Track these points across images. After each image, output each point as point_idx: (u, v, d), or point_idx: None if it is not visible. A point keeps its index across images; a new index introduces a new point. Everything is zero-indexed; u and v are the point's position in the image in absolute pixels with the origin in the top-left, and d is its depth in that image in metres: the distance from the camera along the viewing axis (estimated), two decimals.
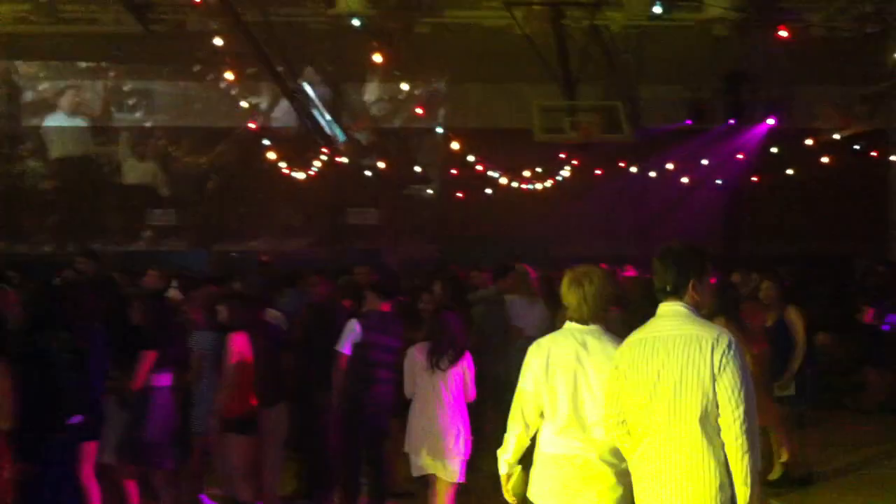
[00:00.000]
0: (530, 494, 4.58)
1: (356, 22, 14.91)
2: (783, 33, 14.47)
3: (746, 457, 3.78)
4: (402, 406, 7.17)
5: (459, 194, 21.83)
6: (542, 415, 4.56)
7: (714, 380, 3.80)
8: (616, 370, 4.10)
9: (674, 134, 19.04)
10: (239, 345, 6.93)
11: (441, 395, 6.61)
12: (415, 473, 6.82)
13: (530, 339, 8.80)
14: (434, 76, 19.00)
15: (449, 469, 6.56)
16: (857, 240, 19.46)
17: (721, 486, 3.83)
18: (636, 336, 4.08)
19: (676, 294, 4.02)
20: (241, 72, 16.56)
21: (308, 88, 19.65)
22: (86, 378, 6.29)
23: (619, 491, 4.37)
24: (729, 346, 3.85)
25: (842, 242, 19.83)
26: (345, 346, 7.25)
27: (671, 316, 4.00)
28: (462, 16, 16.22)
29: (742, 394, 3.80)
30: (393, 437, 7.59)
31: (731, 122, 19.13)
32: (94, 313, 6.74)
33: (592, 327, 4.54)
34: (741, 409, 3.78)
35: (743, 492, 3.81)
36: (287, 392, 7.42)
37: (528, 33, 15.53)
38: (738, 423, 3.78)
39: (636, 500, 4.06)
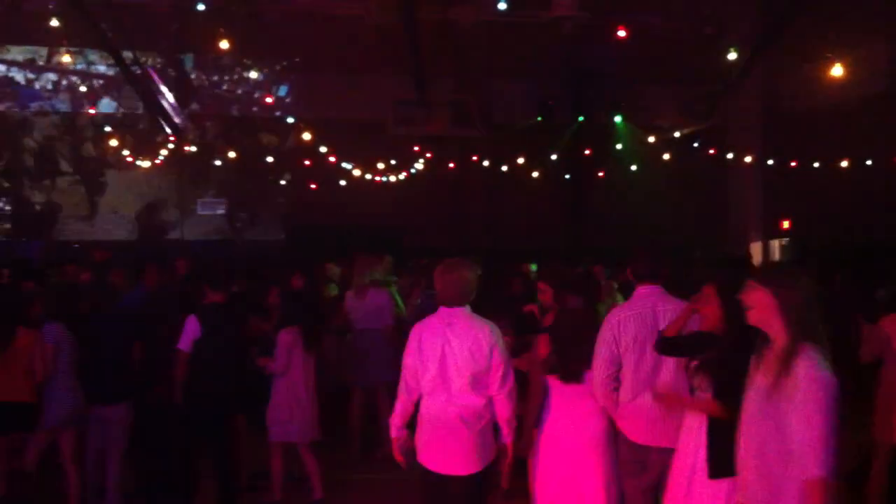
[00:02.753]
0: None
1: (201, 7, 14.53)
2: (621, 33, 14.94)
3: None
4: (248, 401, 7.17)
5: (312, 185, 21.56)
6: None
7: None
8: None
9: (524, 129, 19.30)
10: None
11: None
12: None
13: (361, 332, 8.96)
14: (283, 64, 18.67)
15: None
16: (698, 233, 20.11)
17: None
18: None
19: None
20: (80, 54, 15.92)
21: (153, 73, 18.99)
22: None
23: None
24: None
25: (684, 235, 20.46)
26: (183, 343, 7.06)
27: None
28: (313, 3, 15.98)
29: None
30: (239, 432, 7.52)
31: (580, 118, 19.53)
32: None
33: (458, 309, 5.25)
34: None
35: None
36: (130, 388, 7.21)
37: (380, 25, 15.43)
38: None
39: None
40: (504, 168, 20.44)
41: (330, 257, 12.05)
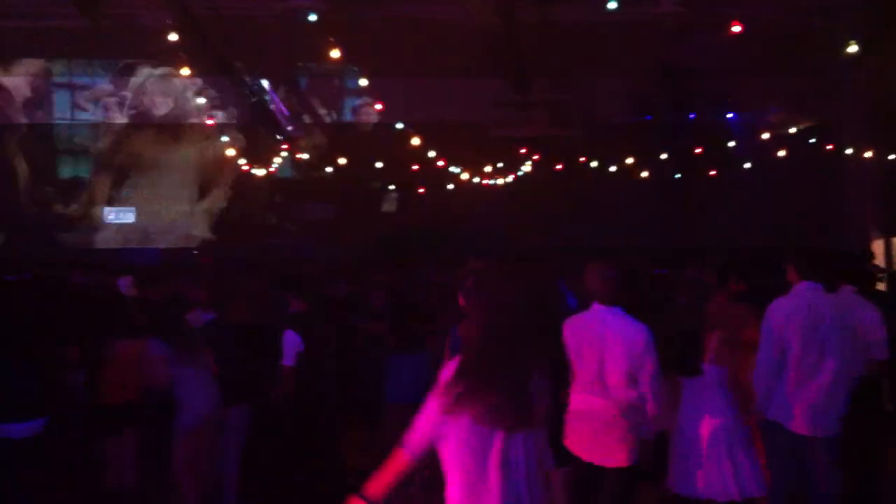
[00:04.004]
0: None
1: (312, 17, 14.83)
2: (736, 28, 14.59)
3: None
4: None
5: (420, 190, 21.79)
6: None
7: None
8: None
9: (628, 128, 19.09)
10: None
11: None
12: None
13: None
14: (389, 70, 18.90)
15: None
16: (815, 233, 19.53)
17: None
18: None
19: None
20: (196, 67, 16.45)
21: (264, 84, 19.54)
22: None
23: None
24: None
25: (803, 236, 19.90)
26: (287, 358, 7.24)
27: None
28: (414, 10, 16.18)
29: None
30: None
31: (689, 116, 19.23)
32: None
33: (613, 307, 5.60)
34: None
35: None
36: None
37: (481, 28, 15.53)
38: None
39: None
40: (612, 168, 20.26)
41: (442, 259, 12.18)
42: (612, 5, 14.97)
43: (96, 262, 13.77)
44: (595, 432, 5.48)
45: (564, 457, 5.37)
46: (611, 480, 5.46)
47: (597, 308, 5.67)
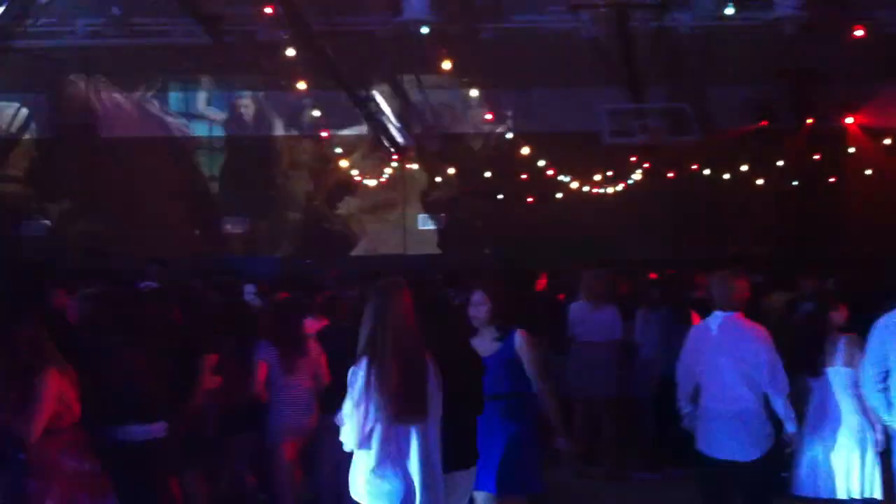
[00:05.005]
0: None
1: (425, 30, 14.98)
2: (858, 32, 14.18)
3: None
4: None
5: (529, 199, 21.82)
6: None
7: None
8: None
9: (745, 135, 18.73)
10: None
11: None
12: None
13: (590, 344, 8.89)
14: (500, 81, 18.99)
15: None
16: None
17: None
18: None
19: None
20: (311, 80, 16.81)
21: (377, 96, 19.82)
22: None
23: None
24: None
25: None
26: None
27: None
28: (527, 20, 16.20)
29: None
30: None
31: (807, 121, 18.74)
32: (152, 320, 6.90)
33: (734, 313, 5.95)
34: None
35: None
36: None
37: (593, 36, 15.47)
38: None
39: None
40: (726, 176, 19.93)
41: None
42: (729, 11, 14.75)
43: (220, 269, 14.15)
44: (723, 431, 5.86)
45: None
46: (745, 474, 5.84)
47: (718, 314, 6.02)
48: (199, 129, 23.09)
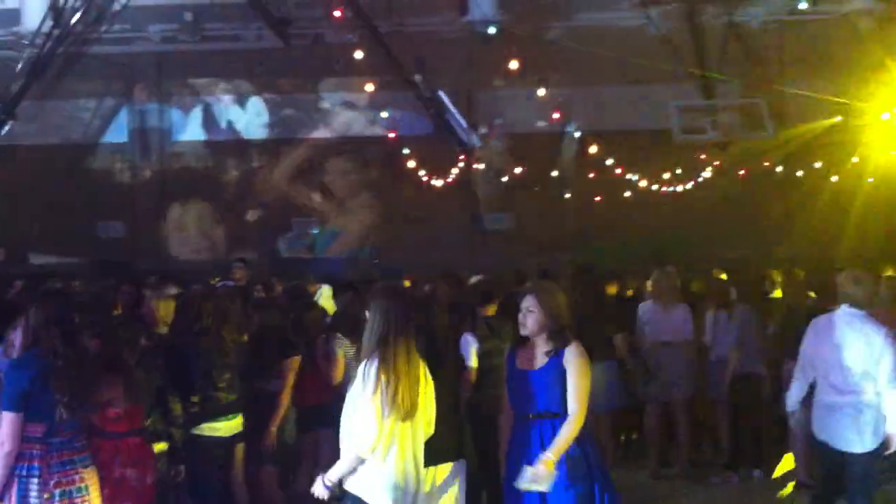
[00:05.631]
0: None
1: (492, 30, 14.97)
2: None
3: None
4: None
5: (597, 198, 21.62)
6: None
7: None
8: None
9: (819, 131, 18.31)
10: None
11: None
12: None
13: (661, 345, 8.76)
14: (568, 79, 18.85)
15: None
16: None
17: None
18: None
19: None
20: (378, 82, 16.90)
21: (443, 96, 19.83)
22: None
23: None
24: None
25: None
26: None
27: None
28: (594, 17, 16.08)
29: None
30: None
31: (885, 116, 18.21)
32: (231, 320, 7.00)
33: (858, 311, 6.25)
34: None
35: None
36: None
37: (663, 33, 15.30)
38: None
39: None
40: (799, 173, 19.51)
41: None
42: (802, 5, 14.47)
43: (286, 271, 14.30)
44: (843, 423, 6.20)
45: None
46: (857, 464, 6.18)
47: (844, 310, 6.28)
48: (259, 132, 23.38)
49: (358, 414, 4.68)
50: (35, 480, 4.72)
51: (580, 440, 5.00)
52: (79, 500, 4.84)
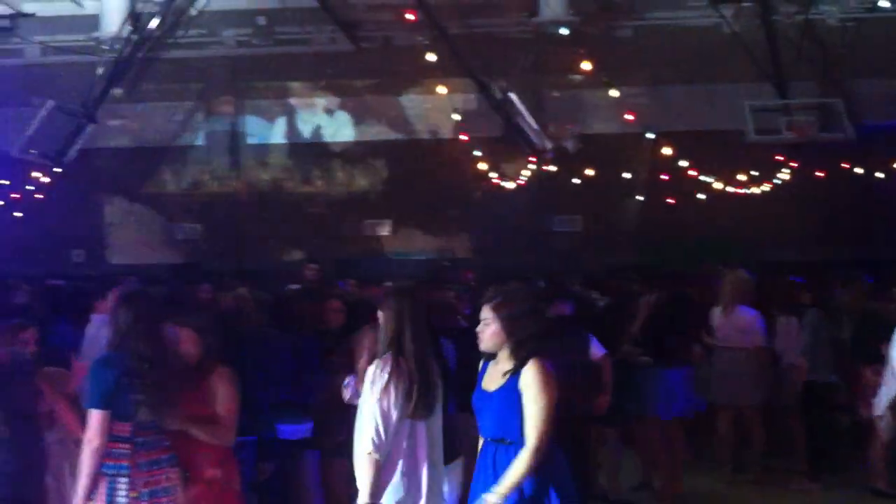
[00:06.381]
0: None
1: (564, 31, 14.88)
2: None
3: None
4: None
5: (669, 199, 21.40)
6: None
7: None
8: None
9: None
10: None
11: None
12: None
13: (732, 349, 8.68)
14: (639, 80, 18.68)
15: None
16: None
17: None
18: None
19: None
20: (449, 84, 16.95)
21: (514, 98, 19.78)
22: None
23: None
24: None
25: None
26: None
27: None
28: (666, 17, 15.90)
29: None
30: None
31: None
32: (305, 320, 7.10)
33: None
34: None
35: None
36: None
37: (736, 31, 15.05)
38: None
39: None
40: (879, 174, 19.06)
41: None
42: (884, 3, 14.09)
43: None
44: None
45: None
46: None
47: None
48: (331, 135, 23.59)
49: (365, 415, 4.63)
50: (123, 480, 4.80)
51: (539, 473, 4.47)
52: (165, 501, 4.91)
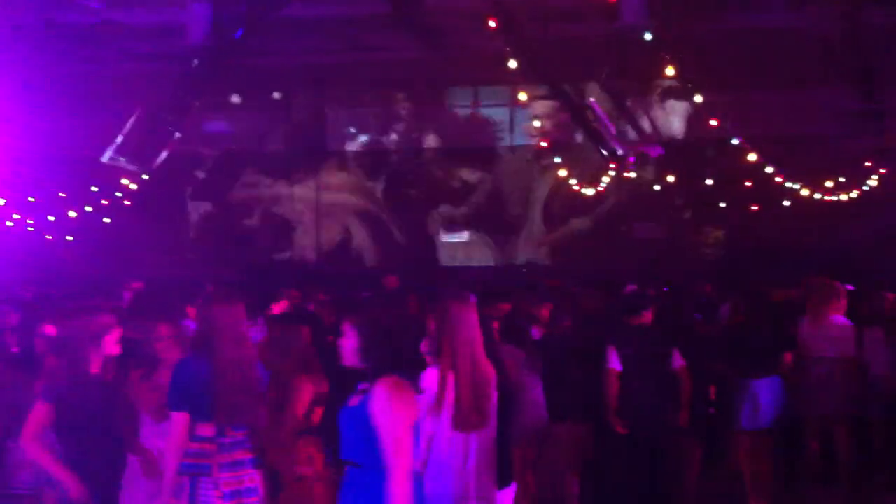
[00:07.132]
0: None
1: (648, 36, 14.69)
2: None
3: None
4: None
5: (754, 207, 21.01)
6: None
7: None
8: None
9: None
10: None
11: None
12: None
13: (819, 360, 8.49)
14: (721, 84, 18.37)
15: None
16: None
17: None
18: None
19: None
20: (529, 90, 16.89)
21: (594, 104, 19.63)
22: None
23: None
24: None
25: None
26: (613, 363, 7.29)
27: None
28: (749, 19, 15.62)
29: None
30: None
31: None
32: None
33: None
34: None
35: None
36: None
37: (822, 33, 14.73)
38: None
39: None
40: None
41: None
42: None
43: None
44: None
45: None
46: None
47: None
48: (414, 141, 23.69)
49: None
50: (207, 480, 4.86)
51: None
52: (247, 502, 4.96)
